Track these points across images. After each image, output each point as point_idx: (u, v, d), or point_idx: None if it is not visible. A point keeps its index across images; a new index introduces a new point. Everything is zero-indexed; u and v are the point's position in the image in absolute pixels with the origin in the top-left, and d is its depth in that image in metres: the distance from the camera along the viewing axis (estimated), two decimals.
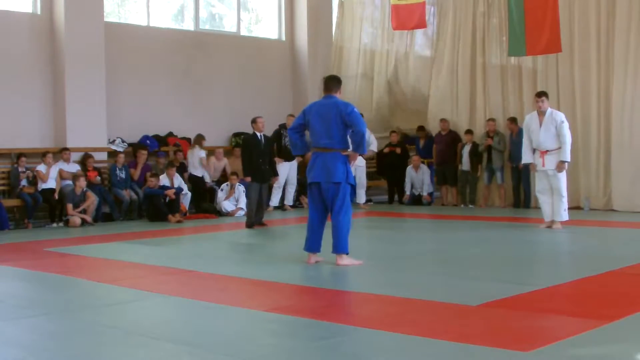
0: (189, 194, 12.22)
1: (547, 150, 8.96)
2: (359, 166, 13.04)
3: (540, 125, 9.01)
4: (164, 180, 11.76)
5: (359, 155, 6.87)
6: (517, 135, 12.19)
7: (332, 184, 6.53)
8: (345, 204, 6.57)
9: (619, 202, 11.30)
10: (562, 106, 11.99)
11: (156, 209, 11.34)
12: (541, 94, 9.26)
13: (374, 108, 14.54)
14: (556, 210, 9.05)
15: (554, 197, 9.07)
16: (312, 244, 6.76)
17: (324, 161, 6.58)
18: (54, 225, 10.99)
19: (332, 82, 6.75)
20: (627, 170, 11.21)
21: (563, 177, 9.01)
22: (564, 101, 11.97)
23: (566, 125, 8.94)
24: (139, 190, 11.95)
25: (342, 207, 6.54)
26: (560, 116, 9.05)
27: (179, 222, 11.15)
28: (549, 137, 8.95)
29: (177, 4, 14.02)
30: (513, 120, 12.29)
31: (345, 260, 6.56)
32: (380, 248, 7.76)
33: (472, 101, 13.26)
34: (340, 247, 6.54)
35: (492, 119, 12.60)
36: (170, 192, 11.37)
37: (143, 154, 12.25)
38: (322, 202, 6.70)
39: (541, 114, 9.07)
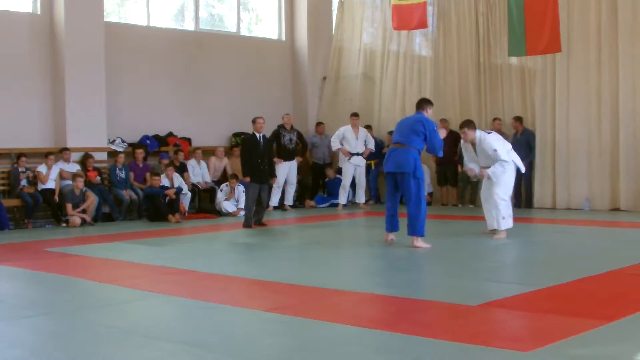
0: (189, 194, 12.22)
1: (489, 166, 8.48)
2: (358, 166, 13.05)
3: (476, 153, 8.49)
4: (163, 180, 11.77)
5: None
6: (521, 134, 12.20)
7: (402, 174, 7.56)
8: (419, 193, 7.53)
9: (626, 203, 11.29)
10: (561, 106, 12.00)
11: (156, 209, 11.34)
12: (462, 126, 8.54)
13: (374, 108, 14.53)
14: (495, 217, 8.34)
15: (490, 203, 8.41)
16: (389, 225, 7.92)
17: (397, 155, 7.66)
18: (50, 226, 10.99)
19: (421, 103, 8.00)
20: (635, 171, 11.20)
21: (503, 181, 8.30)
22: (562, 101, 11.97)
23: (501, 153, 8.20)
24: (139, 190, 11.95)
25: (415, 195, 7.50)
26: (490, 145, 8.25)
27: (178, 222, 11.15)
28: (488, 158, 8.37)
29: (177, 4, 14.02)
30: (518, 119, 12.29)
31: (419, 242, 7.54)
32: (380, 248, 7.76)
33: (472, 101, 13.25)
34: (415, 230, 7.52)
35: (498, 119, 12.59)
36: (171, 192, 11.38)
37: (140, 153, 12.25)
38: (395, 190, 7.80)
39: (472, 144, 8.52)
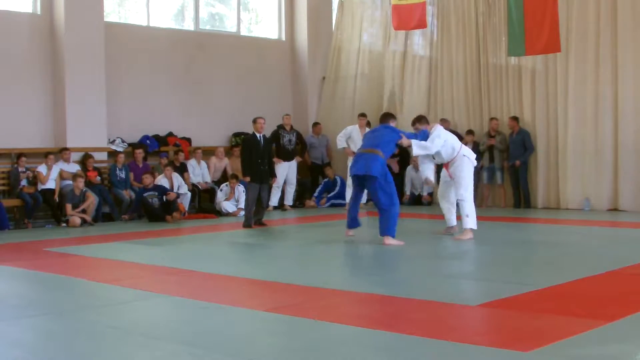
0: (189, 194, 12.20)
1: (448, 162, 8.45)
2: None
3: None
4: (162, 180, 11.74)
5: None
6: (517, 134, 12.23)
7: (370, 178, 7.81)
8: (391, 196, 7.81)
9: (626, 203, 11.29)
10: (560, 106, 12.00)
11: (150, 212, 11.31)
12: (413, 122, 8.62)
13: (374, 108, 14.52)
14: (462, 216, 8.26)
15: (450, 202, 8.50)
16: (350, 222, 8.33)
17: (365, 159, 7.94)
18: (50, 226, 10.98)
19: (385, 117, 8.50)
20: (635, 170, 11.21)
21: (463, 180, 8.22)
22: (562, 101, 11.98)
23: (432, 138, 8.19)
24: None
25: (388, 198, 7.79)
26: (434, 133, 8.31)
27: (174, 222, 11.06)
28: (442, 154, 8.36)
29: (177, 4, 14.02)
30: (514, 118, 12.31)
31: (390, 240, 7.75)
32: (380, 248, 7.76)
33: (471, 101, 13.26)
34: (386, 231, 7.79)
35: (495, 118, 12.61)
36: (172, 196, 11.25)
37: (139, 153, 12.23)
38: (359, 191, 8.24)
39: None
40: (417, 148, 8.15)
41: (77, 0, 11.70)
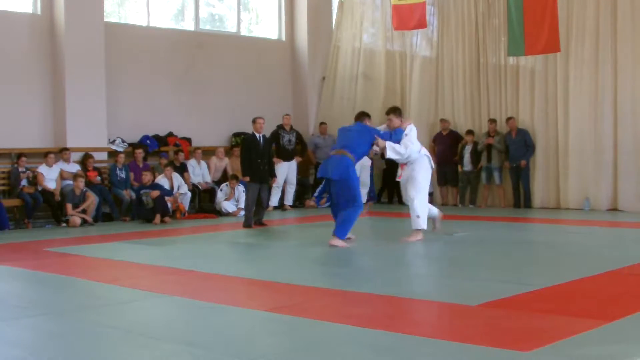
0: (189, 193, 12.20)
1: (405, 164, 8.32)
2: (364, 166, 13.04)
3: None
4: (162, 180, 11.73)
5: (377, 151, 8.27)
6: (516, 135, 12.24)
7: (333, 181, 7.85)
8: (350, 199, 7.80)
9: (625, 203, 11.30)
10: (560, 106, 12.01)
11: (139, 212, 11.29)
12: (387, 112, 8.34)
13: (374, 108, 14.52)
14: (412, 217, 8.08)
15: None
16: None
17: (329, 163, 7.95)
18: (50, 226, 10.98)
19: (360, 115, 8.38)
20: (635, 170, 11.21)
21: (417, 180, 8.07)
22: (562, 101, 11.98)
23: (407, 142, 8.02)
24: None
25: (347, 201, 7.82)
26: (408, 134, 8.11)
27: (163, 222, 11.00)
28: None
29: (177, 4, 14.02)
30: (512, 119, 12.33)
31: (336, 241, 7.72)
32: (380, 248, 7.76)
33: (471, 101, 13.26)
34: (336, 231, 7.79)
35: (494, 119, 12.62)
36: (154, 194, 11.09)
37: (139, 153, 12.22)
38: (335, 194, 8.12)
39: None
40: (391, 152, 7.95)
41: (77, 0, 11.70)
